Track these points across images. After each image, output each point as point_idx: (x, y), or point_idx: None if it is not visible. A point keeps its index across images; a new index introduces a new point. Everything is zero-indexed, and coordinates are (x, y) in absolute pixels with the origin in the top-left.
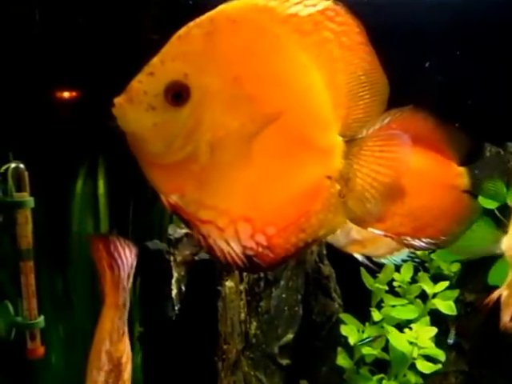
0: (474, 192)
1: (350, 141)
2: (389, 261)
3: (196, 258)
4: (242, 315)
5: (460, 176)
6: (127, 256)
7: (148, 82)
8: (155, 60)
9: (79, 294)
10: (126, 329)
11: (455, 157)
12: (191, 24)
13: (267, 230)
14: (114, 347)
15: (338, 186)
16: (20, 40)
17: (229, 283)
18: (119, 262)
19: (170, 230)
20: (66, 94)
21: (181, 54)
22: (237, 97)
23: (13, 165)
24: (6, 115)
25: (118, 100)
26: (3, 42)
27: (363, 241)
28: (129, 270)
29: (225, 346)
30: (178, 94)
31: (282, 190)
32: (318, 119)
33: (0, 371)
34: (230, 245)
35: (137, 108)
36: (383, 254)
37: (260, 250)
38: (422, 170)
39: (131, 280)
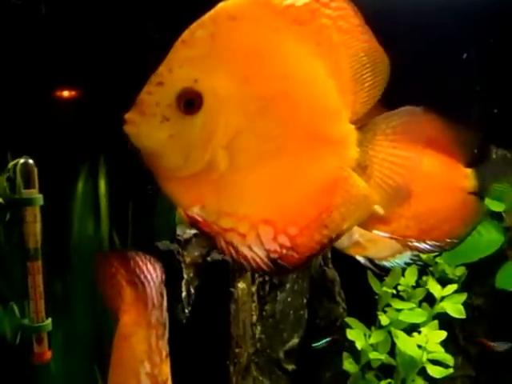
0: (480, 194)
1: (362, 127)
2: (391, 263)
3: (208, 258)
4: (254, 318)
5: (467, 178)
6: (151, 271)
7: (158, 92)
8: (162, 68)
9: (79, 297)
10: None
11: (462, 158)
12: (193, 26)
13: (289, 231)
14: (158, 370)
15: (356, 176)
16: (21, 40)
17: (241, 285)
18: (142, 277)
19: (179, 230)
20: (68, 94)
21: (188, 59)
22: (248, 96)
23: (21, 160)
24: (7, 114)
25: (129, 116)
26: (5, 42)
27: (365, 243)
28: (157, 286)
29: (237, 350)
30: (190, 102)
31: (300, 188)
32: (327, 110)
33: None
34: (253, 250)
35: (150, 121)
36: (385, 256)
37: (284, 251)
38: (429, 171)
39: (165, 298)
